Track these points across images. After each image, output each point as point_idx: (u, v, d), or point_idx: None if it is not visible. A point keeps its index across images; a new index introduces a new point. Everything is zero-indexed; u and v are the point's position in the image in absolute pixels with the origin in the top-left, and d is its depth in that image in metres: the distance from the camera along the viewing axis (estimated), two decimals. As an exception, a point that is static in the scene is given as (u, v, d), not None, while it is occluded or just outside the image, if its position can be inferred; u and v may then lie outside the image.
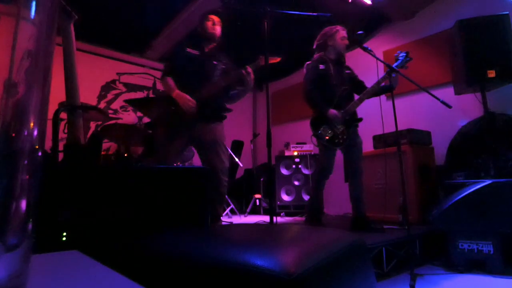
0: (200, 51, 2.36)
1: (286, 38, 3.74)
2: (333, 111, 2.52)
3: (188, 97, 2.19)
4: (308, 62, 2.76)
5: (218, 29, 2.39)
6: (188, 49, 2.34)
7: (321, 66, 2.63)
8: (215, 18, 2.39)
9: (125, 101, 4.17)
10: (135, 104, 3.24)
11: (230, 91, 2.42)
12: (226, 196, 3.07)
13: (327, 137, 2.54)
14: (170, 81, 2.28)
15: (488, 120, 2.73)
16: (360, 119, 2.65)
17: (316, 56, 2.73)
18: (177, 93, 2.21)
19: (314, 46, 2.78)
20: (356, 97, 2.66)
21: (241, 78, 2.29)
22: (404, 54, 2.44)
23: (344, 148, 2.63)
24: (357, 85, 2.74)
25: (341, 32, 2.68)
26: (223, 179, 2.22)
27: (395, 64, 2.41)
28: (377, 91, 2.56)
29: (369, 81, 3.71)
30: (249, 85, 2.33)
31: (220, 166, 2.22)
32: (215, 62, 2.35)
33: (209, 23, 2.37)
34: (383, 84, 2.53)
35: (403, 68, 2.43)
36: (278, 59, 2.32)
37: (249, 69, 2.27)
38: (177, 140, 2.24)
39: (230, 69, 2.39)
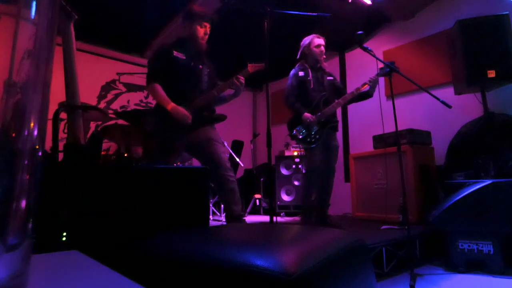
0: (187, 55, 2.27)
1: (286, 38, 3.74)
2: (307, 114, 2.72)
3: (183, 111, 2.13)
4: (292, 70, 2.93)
5: (207, 37, 2.32)
6: (175, 53, 2.22)
7: (300, 73, 2.84)
8: (208, 26, 2.29)
9: (116, 113, 4.15)
10: (124, 116, 3.22)
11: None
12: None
13: (300, 137, 2.75)
14: (160, 89, 2.18)
15: (488, 120, 2.73)
16: (336, 121, 2.83)
17: (297, 64, 2.94)
18: (172, 106, 2.12)
19: (298, 56, 2.96)
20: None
21: (233, 87, 2.28)
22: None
23: (321, 149, 2.78)
24: (338, 91, 2.90)
25: (315, 41, 2.83)
26: (226, 175, 2.12)
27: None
28: (356, 97, 2.73)
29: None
30: (239, 93, 2.36)
31: (220, 163, 2.14)
32: (200, 66, 2.31)
33: (202, 31, 2.26)
34: (362, 90, 2.69)
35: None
36: (262, 66, 2.32)
37: (242, 79, 2.26)
38: (172, 152, 2.24)
39: (213, 73, 2.40)
